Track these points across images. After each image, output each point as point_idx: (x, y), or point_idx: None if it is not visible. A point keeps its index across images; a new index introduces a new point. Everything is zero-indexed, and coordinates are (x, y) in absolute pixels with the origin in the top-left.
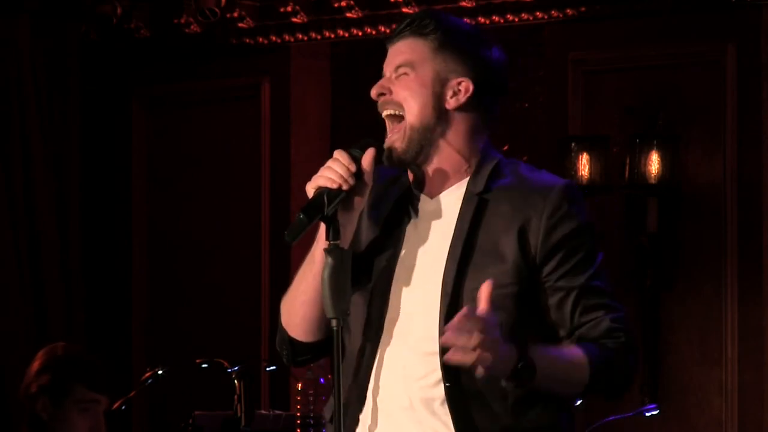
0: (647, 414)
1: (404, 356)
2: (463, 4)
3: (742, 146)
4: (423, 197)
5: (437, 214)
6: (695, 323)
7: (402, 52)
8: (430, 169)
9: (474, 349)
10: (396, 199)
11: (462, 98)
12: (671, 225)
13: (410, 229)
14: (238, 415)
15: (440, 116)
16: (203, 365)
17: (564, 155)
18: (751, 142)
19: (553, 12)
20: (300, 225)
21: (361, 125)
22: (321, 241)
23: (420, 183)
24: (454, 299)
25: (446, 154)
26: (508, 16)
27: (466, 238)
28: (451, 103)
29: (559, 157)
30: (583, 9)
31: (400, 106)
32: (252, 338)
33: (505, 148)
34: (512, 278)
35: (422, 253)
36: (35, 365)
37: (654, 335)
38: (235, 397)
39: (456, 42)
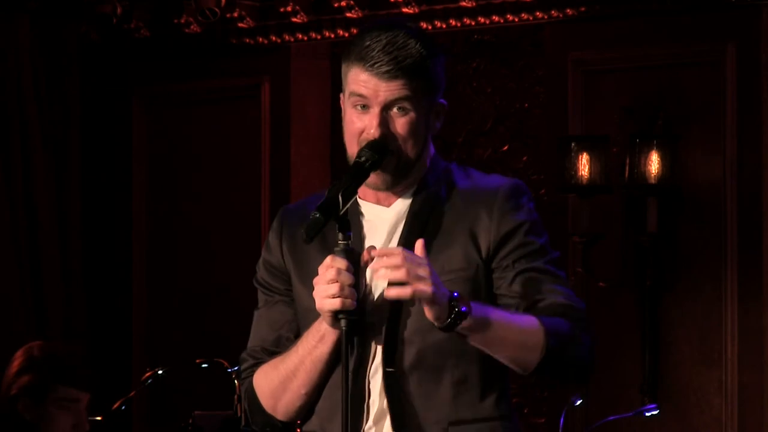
0: (647, 414)
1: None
2: (463, 4)
3: (742, 146)
4: (377, 207)
5: (391, 215)
6: (695, 323)
7: (399, 90)
8: (397, 185)
9: (411, 282)
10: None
11: (441, 119)
12: (671, 225)
13: (367, 239)
14: (238, 415)
15: (426, 142)
16: (203, 365)
17: (564, 155)
18: (751, 142)
19: (553, 12)
20: (316, 224)
21: None
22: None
23: (375, 196)
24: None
25: (414, 170)
26: (508, 16)
27: (419, 225)
28: (435, 127)
29: (559, 157)
30: (583, 9)
31: (397, 148)
32: None
33: (505, 148)
34: (462, 264)
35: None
36: (13, 366)
37: (654, 335)
38: (235, 397)
39: (440, 70)
